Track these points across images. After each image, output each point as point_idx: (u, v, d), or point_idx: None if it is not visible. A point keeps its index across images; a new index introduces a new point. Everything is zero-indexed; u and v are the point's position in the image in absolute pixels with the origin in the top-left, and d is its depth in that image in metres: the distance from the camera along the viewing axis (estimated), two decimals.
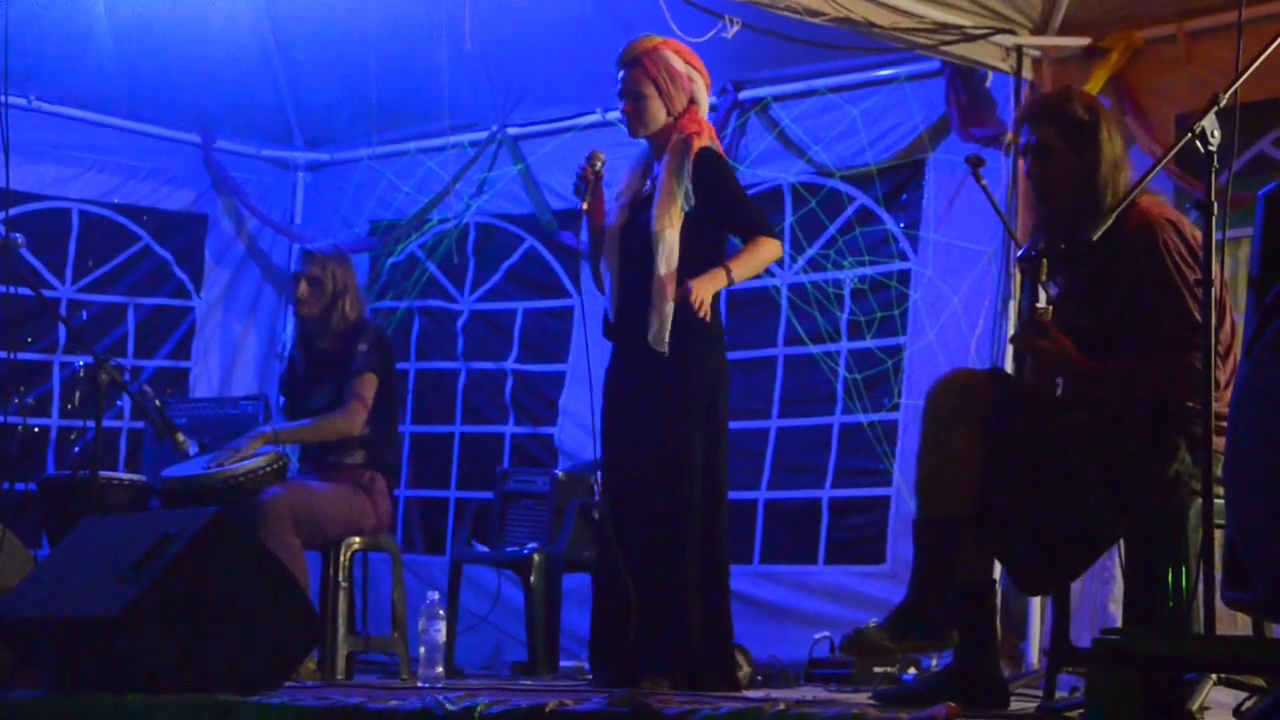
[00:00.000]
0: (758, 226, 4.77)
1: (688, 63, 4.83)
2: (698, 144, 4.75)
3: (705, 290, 4.63)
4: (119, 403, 7.42)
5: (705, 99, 4.89)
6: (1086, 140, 3.84)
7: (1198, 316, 3.53)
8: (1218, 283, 3.74)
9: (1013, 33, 6.08)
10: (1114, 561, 5.10)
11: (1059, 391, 3.92)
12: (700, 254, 4.72)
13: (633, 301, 4.74)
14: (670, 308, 4.64)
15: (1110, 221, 3.47)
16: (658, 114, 4.80)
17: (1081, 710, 3.34)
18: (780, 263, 6.82)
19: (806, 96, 6.79)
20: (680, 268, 4.68)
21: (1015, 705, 3.89)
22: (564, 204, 7.15)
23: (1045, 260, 3.76)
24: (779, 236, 4.77)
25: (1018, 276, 5.88)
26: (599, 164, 4.83)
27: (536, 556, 6.27)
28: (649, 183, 4.82)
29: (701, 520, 4.68)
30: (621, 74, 4.82)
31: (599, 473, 4.93)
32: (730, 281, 4.70)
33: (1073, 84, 3.97)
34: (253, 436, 5.70)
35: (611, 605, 4.75)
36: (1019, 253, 3.92)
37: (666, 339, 4.66)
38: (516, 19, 6.81)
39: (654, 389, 4.72)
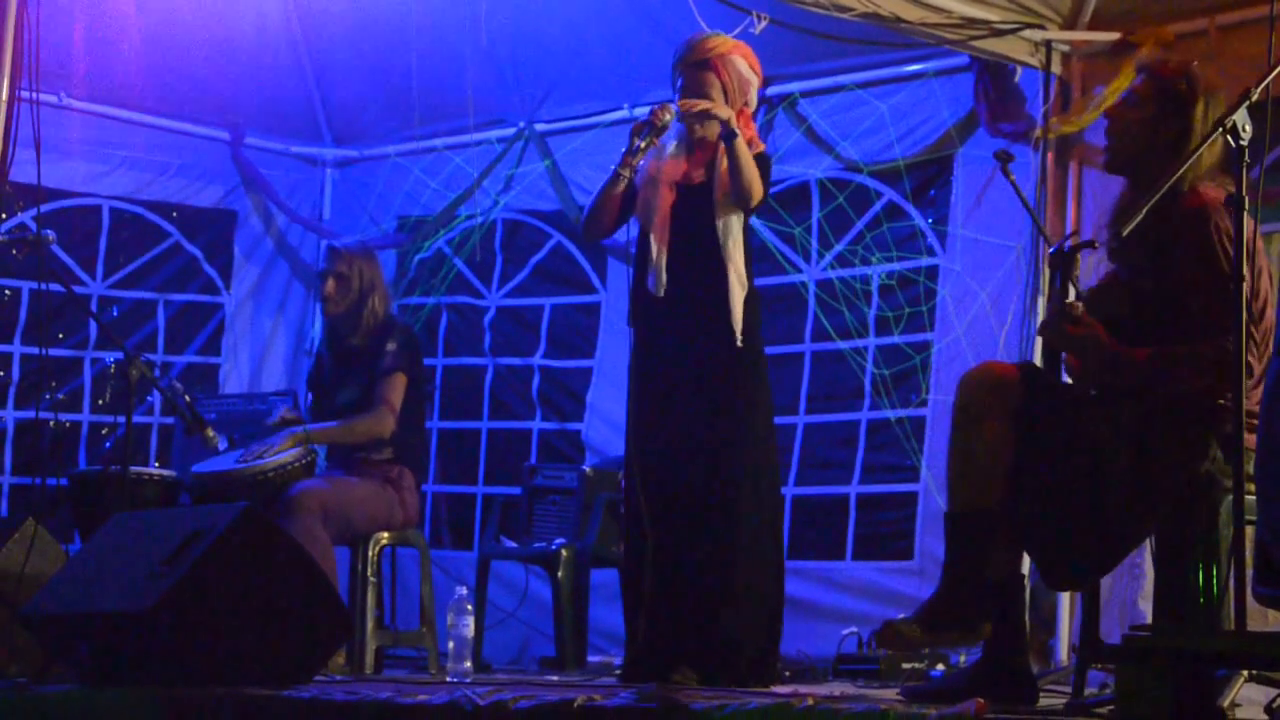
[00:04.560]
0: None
1: (751, 68, 4.86)
2: (757, 148, 4.81)
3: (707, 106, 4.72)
4: (149, 398, 7.45)
5: (754, 100, 4.94)
6: (1175, 110, 3.76)
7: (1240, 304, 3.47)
8: (1264, 276, 3.72)
9: (1042, 27, 6.06)
10: (1144, 557, 5.08)
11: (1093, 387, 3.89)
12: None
13: (681, 285, 4.76)
14: (744, 294, 4.71)
15: (1140, 216, 3.44)
16: (719, 116, 4.80)
17: (1111, 707, 3.33)
18: (807, 258, 6.83)
19: (834, 92, 6.78)
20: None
21: (1044, 701, 3.87)
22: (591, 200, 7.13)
23: (1078, 255, 3.72)
24: (766, 192, 4.81)
25: (1046, 272, 5.86)
26: (669, 117, 4.82)
27: (564, 552, 6.28)
28: (702, 171, 4.82)
29: (760, 511, 4.69)
30: (687, 72, 4.81)
31: (628, 459, 4.91)
32: (731, 127, 4.68)
33: (1196, 60, 3.88)
34: (285, 435, 5.72)
35: (644, 598, 4.75)
36: (1053, 248, 3.88)
37: (739, 327, 4.70)
38: (544, 15, 6.82)
39: (702, 376, 4.74)
